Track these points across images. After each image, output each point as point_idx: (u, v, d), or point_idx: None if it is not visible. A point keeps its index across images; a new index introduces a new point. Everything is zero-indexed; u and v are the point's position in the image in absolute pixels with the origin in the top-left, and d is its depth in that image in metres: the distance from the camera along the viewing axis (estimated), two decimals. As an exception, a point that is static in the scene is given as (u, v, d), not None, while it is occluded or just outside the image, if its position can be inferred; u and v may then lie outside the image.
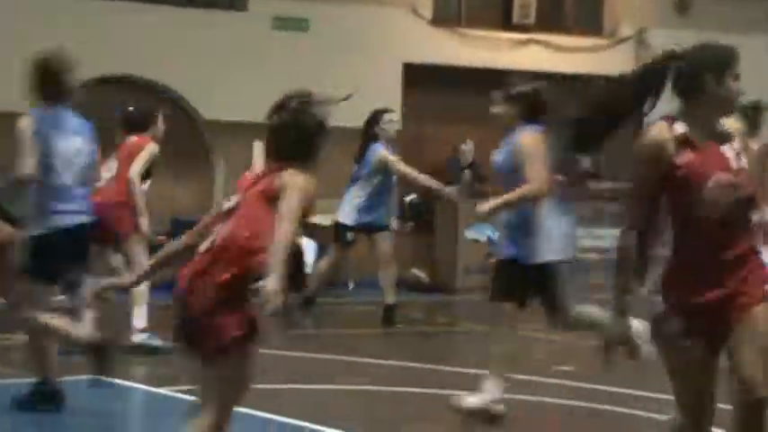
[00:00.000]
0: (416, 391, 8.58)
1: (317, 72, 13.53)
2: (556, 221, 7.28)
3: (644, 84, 4.18)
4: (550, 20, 16.67)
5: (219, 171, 14.48)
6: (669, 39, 13.12)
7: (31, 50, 7.89)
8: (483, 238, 14.39)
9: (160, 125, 9.46)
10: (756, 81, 8.51)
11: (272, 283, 4.12)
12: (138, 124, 9.31)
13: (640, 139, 4.08)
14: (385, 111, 11.26)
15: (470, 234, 14.60)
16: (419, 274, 15.12)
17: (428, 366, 9.95)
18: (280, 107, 4.71)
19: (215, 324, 4.35)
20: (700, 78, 4.02)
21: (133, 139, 9.19)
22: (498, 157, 7.28)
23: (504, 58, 15.81)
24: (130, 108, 9.69)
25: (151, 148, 9.20)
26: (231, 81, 13.93)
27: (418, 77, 15.73)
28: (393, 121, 11.25)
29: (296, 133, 4.60)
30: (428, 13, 15.85)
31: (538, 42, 16.42)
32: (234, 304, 4.34)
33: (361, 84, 12.55)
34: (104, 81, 13.51)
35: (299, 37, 14.89)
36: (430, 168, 14.22)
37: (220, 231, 4.48)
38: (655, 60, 4.22)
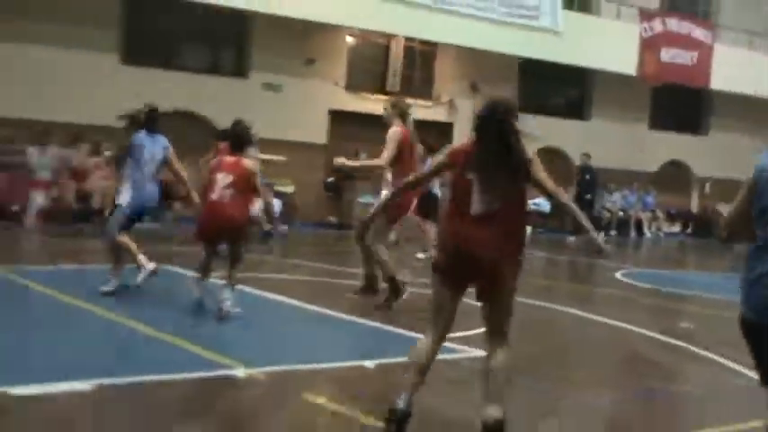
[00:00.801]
0: (328, 280, 10.24)
1: (286, 114, 18.22)
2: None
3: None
4: (407, 88, 20.26)
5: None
6: (468, 105, 21.98)
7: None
8: (368, 202, 16.64)
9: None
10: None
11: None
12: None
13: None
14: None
15: (362, 199, 18.04)
16: (333, 219, 19.19)
17: (333, 267, 11.88)
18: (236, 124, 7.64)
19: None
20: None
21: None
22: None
23: (381, 109, 15.75)
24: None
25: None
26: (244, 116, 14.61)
27: (337, 118, 19.64)
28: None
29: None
30: (343, 83, 20.05)
31: (400, 101, 19.81)
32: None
33: (307, 120, 19.01)
34: (176, 113, 16.83)
35: (277, 96, 18.66)
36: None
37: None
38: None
